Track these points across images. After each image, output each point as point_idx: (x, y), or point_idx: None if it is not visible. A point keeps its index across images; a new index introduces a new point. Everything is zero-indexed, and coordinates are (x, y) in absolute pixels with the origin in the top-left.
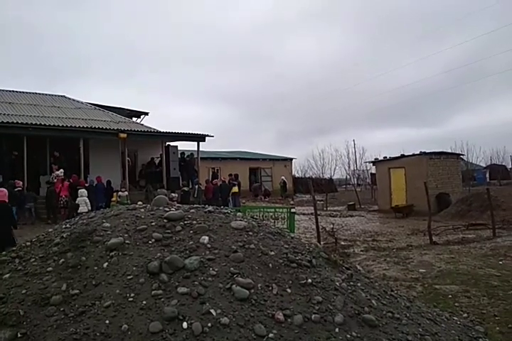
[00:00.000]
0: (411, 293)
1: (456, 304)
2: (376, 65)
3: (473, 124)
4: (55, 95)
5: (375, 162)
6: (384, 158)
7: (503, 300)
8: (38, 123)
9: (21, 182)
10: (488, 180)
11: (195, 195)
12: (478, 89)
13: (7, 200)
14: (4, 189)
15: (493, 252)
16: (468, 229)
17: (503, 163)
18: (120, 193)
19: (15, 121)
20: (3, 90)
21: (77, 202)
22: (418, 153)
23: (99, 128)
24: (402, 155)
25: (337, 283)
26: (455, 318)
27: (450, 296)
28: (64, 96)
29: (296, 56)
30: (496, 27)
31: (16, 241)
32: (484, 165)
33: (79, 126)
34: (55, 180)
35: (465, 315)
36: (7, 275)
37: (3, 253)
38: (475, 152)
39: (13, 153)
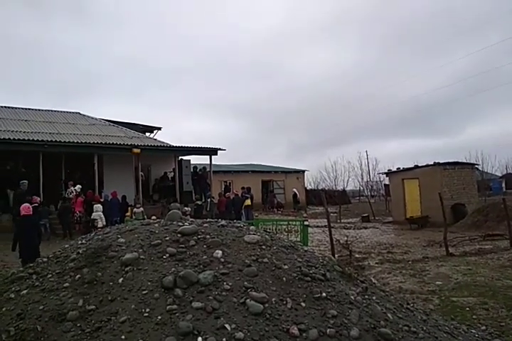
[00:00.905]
0: (428, 306)
1: (474, 316)
2: (389, 75)
3: (487, 133)
4: (70, 112)
5: (389, 173)
6: (397, 169)
7: None
8: (54, 140)
9: (38, 198)
10: (504, 189)
11: (208, 209)
12: (492, 98)
13: (32, 213)
14: (28, 204)
15: (510, 263)
16: (485, 240)
17: None
18: (135, 210)
19: (31, 138)
20: (19, 108)
21: (92, 217)
22: (432, 163)
23: (113, 143)
24: (416, 166)
25: (352, 297)
26: (473, 331)
27: (467, 309)
28: (78, 113)
29: (307, 68)
30: (510, 35)
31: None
32: (500, 175)
33: (93, 142)
34: (71, 196)
35: (483, 327)
36: (25, 292)
37: (21, 269)
38: (490, 161)
39: (21, 170)
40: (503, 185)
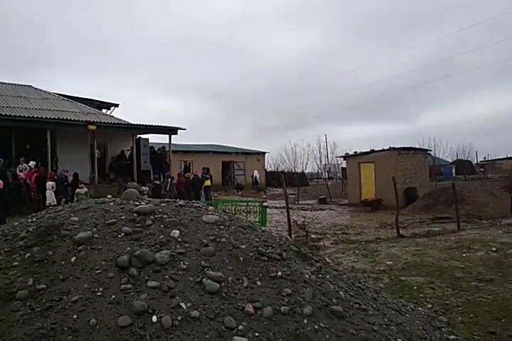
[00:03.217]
0: (378, 285)
1: (421, 295)
2: (350, 61)
3: (440, 121)
4: (21, 85)
5: (346, 156)
6: (354, 152)
7: (465, 291)
8: (3, 113)
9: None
10: (454, 175)
11: (167, 189)
12: (447, 87)
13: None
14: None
15: (457, 245)
16: (434, 223)
17: (469, 159)
18: (78, 190)
19: None
20: None
21: (47, 195)
22: (387, 148)
23: (67, 119)
24: (372, 150)
25: (306, 276)
26: (419, 309)
27: (415, 287)
28: (30, 86)
29: (272, 51)
30: (467, 25)
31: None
32: (451, 161)
33: (46, 117)
34: (21, 173)
35: (429, 305)
36: None
37: None
38: (442, 148)
39: None
40: (453, 170)
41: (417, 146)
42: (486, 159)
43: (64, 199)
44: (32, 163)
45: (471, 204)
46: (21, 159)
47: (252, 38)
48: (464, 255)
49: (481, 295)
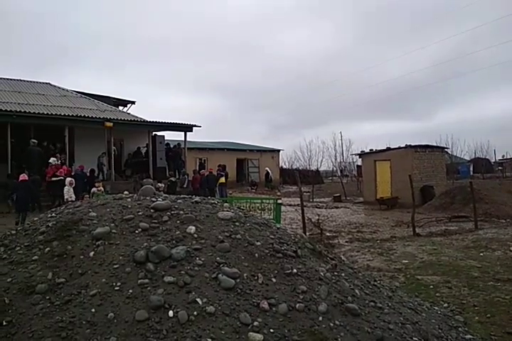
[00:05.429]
0: (393, 283)
1: (437, 294)
2: (366, 58)
3: (458, 118)
4: (40, 82)
5: (362, 154)
6: (370, 150)
7: (482, 290)
8: (23, 110)
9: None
10: (471, 173)
11: (185, 185)
12: (464, 84)
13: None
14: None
15: (474, 244)
16: (451, 222)
17: (487, 157)
18: (94, 189)
19: None
20: None
21: (65, 190)
22: (404, 146)
23: (84, 116)
24: (388, 148)
25: (321, 273)
26: (436, 308)
27: (431, 286)
28: (49, 83)
29: (286, 48)
30: (483, 22)
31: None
32: (468, 159)
33: (64, 114)
34: (61, 169)
35: (445, 305)
36: None
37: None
38: (459, 145)
39: None
40: (471, 168)
41: (434, 144)
42: (505, 157)
43: (81, 196)
44: (53, 159)
45: (488, 203)
46: (57, 155)
47: (265, 37)
48: (481, 254)
49: (498, 295)
